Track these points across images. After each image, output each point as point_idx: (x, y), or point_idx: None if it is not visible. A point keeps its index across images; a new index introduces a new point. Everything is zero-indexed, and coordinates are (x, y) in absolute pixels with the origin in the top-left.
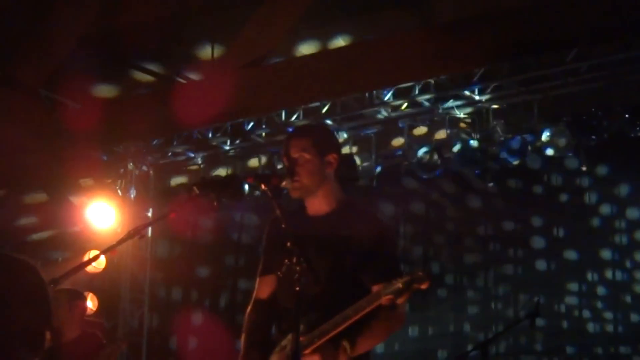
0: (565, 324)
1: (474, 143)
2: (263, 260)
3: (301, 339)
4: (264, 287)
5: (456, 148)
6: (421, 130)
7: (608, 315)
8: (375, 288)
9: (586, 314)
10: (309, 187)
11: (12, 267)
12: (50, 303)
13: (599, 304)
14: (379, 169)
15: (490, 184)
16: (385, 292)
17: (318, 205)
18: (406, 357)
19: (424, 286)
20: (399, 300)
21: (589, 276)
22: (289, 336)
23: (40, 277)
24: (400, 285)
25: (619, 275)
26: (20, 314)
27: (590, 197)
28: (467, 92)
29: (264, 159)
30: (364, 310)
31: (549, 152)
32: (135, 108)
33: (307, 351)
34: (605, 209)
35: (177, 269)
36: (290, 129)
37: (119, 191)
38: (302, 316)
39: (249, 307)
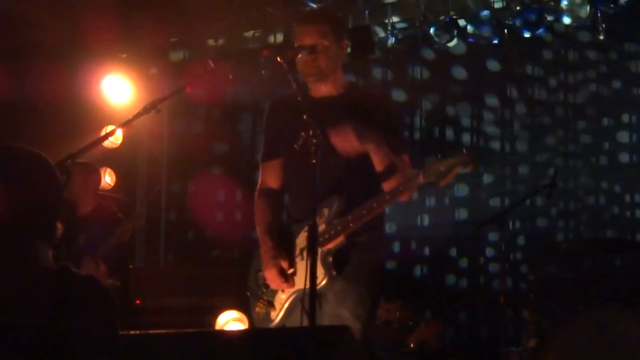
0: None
1: (489, 13)
2: (265, 144)
3: (335, 221)
4: (269, 174)
5: (473, 17)
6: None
7: None
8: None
9: None
10: (326, 73)
11: (22, 159)
12: (60, 197)
13: None
14: (393, 39)
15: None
16: (425, 175)
17: (325, 88)
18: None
19: (468, 169)
20: (441, 183)
21: None
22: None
23: (51, 169)
24: (441, 167)
25: None
26: (29, 204)
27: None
28: None
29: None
30: (402, 194)
31: (566, 21)
32: None
33: (340, 237)
34: None
35: (193, 143)
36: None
37: (135, 65)
38: (321, 199)
39: (256, 195)
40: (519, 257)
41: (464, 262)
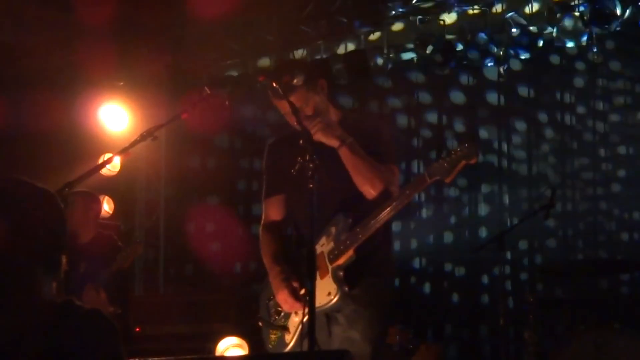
0: None
1: (484, 36)
2: (267, 182)
3: (343, 237)
4: (272, 209)
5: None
6: (432, 25)
7: None
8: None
9: None
10: (327, 116)
11: (31, 195)
12: (66, 232)
13: None
14: (390, 65)
15: (502, 75)
16: (431, 174)
17: None
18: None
19: (472, 161)
20: (447, 180)
21: None
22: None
23: (57, 205)
24: (445, 164)
25: None
26: (37, 238)
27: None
28: None
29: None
30: (409, 198)
31: (565, 43)
32: (149, 3)
33: (349, 251)
34: None
35: (191, 169)
36: None
37: (132, 93)
38: (327, 221)
39: (261, 230)
40: (524, 277)
41: (466, 282)
